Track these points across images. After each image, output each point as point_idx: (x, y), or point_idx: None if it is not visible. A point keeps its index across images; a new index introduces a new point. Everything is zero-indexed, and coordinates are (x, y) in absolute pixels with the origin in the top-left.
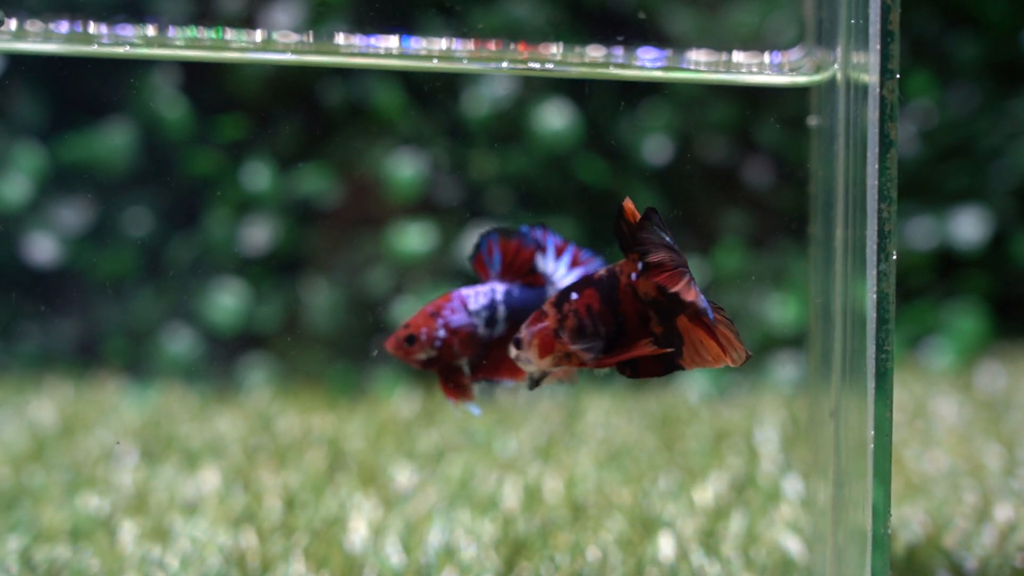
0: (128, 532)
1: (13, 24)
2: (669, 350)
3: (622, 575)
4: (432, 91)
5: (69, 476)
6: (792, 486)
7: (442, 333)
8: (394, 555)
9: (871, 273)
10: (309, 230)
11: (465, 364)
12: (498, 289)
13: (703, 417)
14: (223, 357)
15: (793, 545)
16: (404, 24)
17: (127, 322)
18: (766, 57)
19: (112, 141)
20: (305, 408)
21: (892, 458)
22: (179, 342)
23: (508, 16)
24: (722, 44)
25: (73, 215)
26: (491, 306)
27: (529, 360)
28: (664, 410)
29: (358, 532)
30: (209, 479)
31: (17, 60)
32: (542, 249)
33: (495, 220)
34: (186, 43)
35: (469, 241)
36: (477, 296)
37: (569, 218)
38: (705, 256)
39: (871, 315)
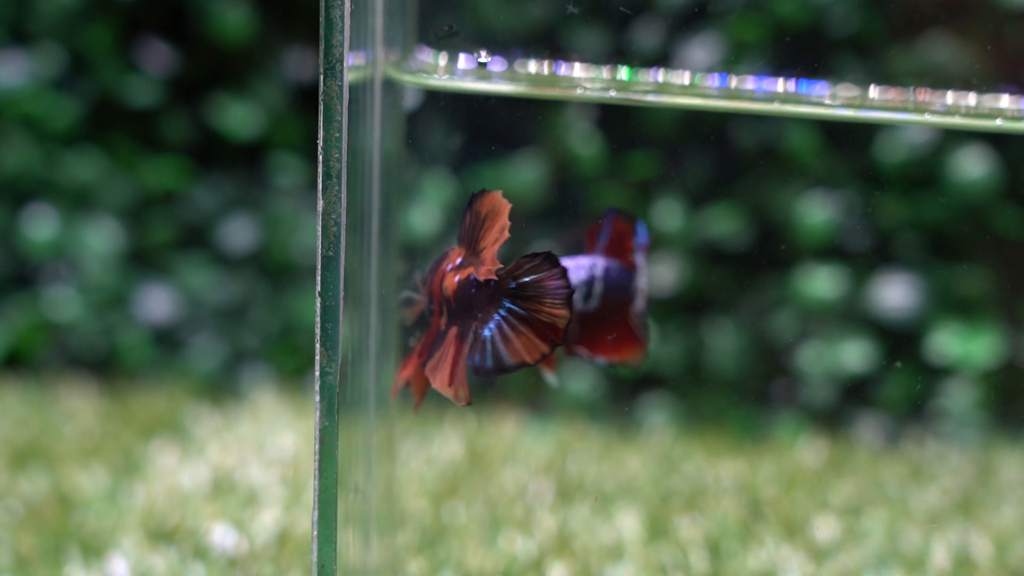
0: None
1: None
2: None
3: None
4: (847, 135)
5: (487, 513)
6: None
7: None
8: None
9: None
10: (715, 271)
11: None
12: (598, 264)
13: None
14: (624, 396)
15: None
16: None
17: None
18: None
19: (524, 176)
20: (710, 451)
21: None
22: (581, 380)
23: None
24: None
25: None
26: (589, 281)
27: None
28: None
29: None
30: (628, 523)
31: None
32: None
33: (903, 267)
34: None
35: (879, 289)
36: (578, 269)
37: (980, 268)
38: None
39: None
